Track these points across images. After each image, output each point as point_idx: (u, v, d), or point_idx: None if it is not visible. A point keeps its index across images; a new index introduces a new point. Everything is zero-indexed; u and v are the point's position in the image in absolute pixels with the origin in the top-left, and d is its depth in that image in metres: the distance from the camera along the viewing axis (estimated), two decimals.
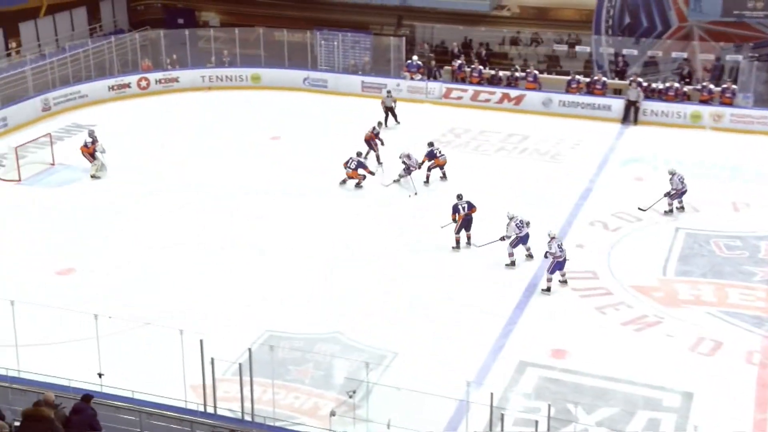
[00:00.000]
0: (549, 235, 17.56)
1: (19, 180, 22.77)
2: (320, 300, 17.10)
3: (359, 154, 22.62)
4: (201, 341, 12.21)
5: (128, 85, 30.56)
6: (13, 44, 30.80)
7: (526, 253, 18.45)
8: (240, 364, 12.53)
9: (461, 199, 19.17)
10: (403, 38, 32.22)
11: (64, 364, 14.03)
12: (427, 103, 30.16)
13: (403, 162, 22.35)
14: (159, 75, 31.14)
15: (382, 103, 28.07)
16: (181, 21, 36.23)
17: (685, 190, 20.63)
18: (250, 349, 12.67)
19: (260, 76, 31.84)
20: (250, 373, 12.50)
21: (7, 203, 21.57)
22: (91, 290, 17.26)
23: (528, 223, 18.23)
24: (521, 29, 33.44)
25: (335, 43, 32.04)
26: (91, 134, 23.12)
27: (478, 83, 30.44)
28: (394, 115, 28.14)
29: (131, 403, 12.67)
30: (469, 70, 30.73)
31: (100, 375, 13.19)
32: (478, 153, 25.53)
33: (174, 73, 31.38)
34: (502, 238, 18.27)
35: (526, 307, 16.95)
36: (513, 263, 18.26)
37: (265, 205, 21.51)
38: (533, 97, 29.51)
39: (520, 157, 25.28)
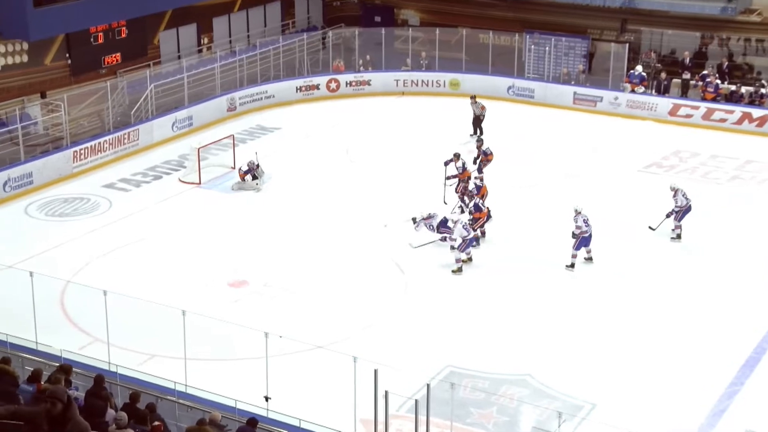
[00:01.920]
0: (575, 210, 19.24)
1: (199, 183, 24.27)
2: (510, 337, 17.01)
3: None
4: (375, 371, 12.45)
5: (317, 87, 31.85)
6: (205, 40, 32.90)
7: (467, 257, 19.50)
8: (416, 401, 12.66)
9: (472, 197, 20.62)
10: (626, 45, 31.52)
11: (230, 382, 14.78)
12: (650, 120, 29.33)
13: (429, 226, 20.07)
14: (350, 77, 32.24)
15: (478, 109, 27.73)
16: (378, 19, 37.30)
17: (690, 207, 20.61)
18: (428, 385, 12.77)
19: (459, 82, 32.19)
20: (427, 411, 12.59)
21: (185, 207, 23.04)
22: (263, 306, 18.08)
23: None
24: None
25: (546, 48, 31.86)
26: (250, 165, 23.82)
27: (713, 99, 29.24)
28: (479, 127, 27.58)
29: None
30: (702, 84, 29.63)
31: (267, 398, 13.77)
32: (708, 181, 24.51)
33: (366, 75, 32.39)
34: (443, 239, 19.58)
35: (757, 366, 16.04)
36: (460, 269, 19.25)
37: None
38: None
39: (759, 188, 24.02)
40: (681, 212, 20.65)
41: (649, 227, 21.00)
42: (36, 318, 15.32)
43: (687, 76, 30.26)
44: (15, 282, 17.03)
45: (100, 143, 25.59)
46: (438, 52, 32.56)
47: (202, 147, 24.75)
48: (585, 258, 19.64)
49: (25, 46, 26.22)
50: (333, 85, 32.07)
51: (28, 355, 14.48)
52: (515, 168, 25.19)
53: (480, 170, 23.09)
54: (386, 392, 12.48)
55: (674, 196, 20.67)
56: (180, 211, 22.80)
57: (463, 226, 19.42)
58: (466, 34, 32.53)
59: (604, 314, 17.80)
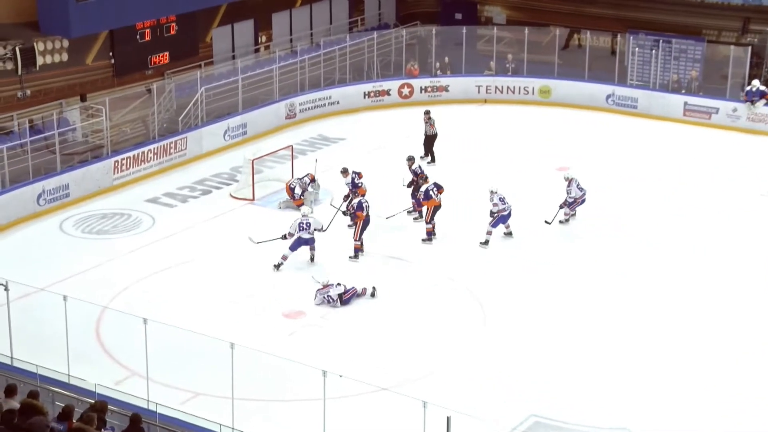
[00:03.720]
0: (490, 190, 21.69)
1: (253, 199, 24.56)
2: (605, 381, 16.82)
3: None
4: (448, 419, 12.42)
5: (387, 93, 32.09)
6: (263, 38, 33.35)
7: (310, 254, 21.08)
8: None
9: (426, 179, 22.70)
10: (749, 48, 31.06)
11: (283, 426, 14.89)
12: None
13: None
14: (425, 81, 32.40)
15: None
16: (459, 16, 37.42)
17: (584, 199, 22.78)
18: None
19: (551, 89, 32.08)
20: None
21: (237, 226, 23.28)
22: (321, 340, 18.19)
23: (317, 229, 20.97)
24: None
25: (653, 51, 31.59)
26: (303, 185, 23.75)
27: None
28: (431, 151, 26.88)
29: None
30: None
31: None
32: None
33: (443, 80, 32.50)
34: (284, 237, 20.97)
35: None
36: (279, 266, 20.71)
37: (547, 250, 21.65)
38: None
39: None
40: (576, 203, 22.79)
41: (545, 221, 22.68)
42: (69, 347, 15.63)
43: None
44: (47, 306, 17.44)
45: (143, 153, 26.11)
46: (527, 55, 32.49)
47: (257, 158, 25.02)
48: (504, 233, 22.19)
49: (66, 43, 26.91)
50: (406, 90, 32.24)
51: (59, 389, 14.77)
52: (614, 188, 24.99)
53: (414, 197, 23.24)
54: None
55: (568, 186, 22.65)
56: (231, 230, 23.08)
57: (300, 223, 20.69)
58: (559, 35, 32.43)
59: (711, 358, 17.54)
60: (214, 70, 30.77)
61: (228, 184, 25.66)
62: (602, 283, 20.32)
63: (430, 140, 27.24)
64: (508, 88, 32.43)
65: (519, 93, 32.33)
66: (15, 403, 12.16)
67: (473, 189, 24.79)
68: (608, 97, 31.43)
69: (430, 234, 22.31)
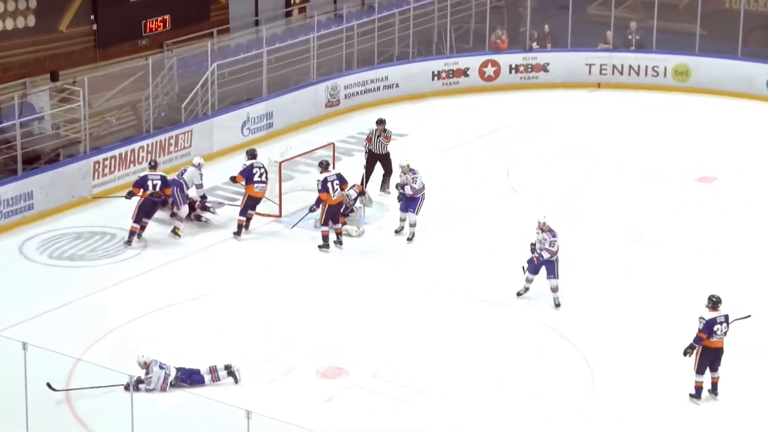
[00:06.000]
0: (402, 167, 23.25)
1: (279, 215, 24.63)
2: None
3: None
4: None
5: (465, 72, 32.21)
6: None
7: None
8: None
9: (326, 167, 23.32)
10: None
11: None
12: None
13: None
14: (516, 58, 32.53)
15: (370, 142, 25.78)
16: None
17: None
18: None
19: (689, 70, 31.97)
20: None
21: (259, 251, 23.38)
22: (369, 409, 18.07)
23: None
24: None
25: None
26: (346, 201, 23.56)
27: None
28: (387, 176, 25.90)
29: None
30: None
31: None
32: None
33: (541, 56, 32.55)
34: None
35: None
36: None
37: (675, 284, 21.54)
38: None
39: None
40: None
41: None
42: (28, 413, 15.67)
43: None
44: (0, 357, 17.50)
45: (133, 151, 26.34)
46: (656, 22, 32.36)
47: (286, 160, 25.12)
48: (396, 229, 23.89)
49: (33, 3, 27.10)
50: (490, 70, 32.26)
51: None
52: None
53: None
54: None
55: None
56: (251, 256, 23.18)
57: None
58: None
59: None
60: (230, 41, 30.99)
61: None
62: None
63: (378, 160, 25.90)
64: (630, 67, 32.46)
65: (646, 74, 32.36)
66: None
67: (579, 207, 24.72)
68: None
69: (326, 239, 23.21)
